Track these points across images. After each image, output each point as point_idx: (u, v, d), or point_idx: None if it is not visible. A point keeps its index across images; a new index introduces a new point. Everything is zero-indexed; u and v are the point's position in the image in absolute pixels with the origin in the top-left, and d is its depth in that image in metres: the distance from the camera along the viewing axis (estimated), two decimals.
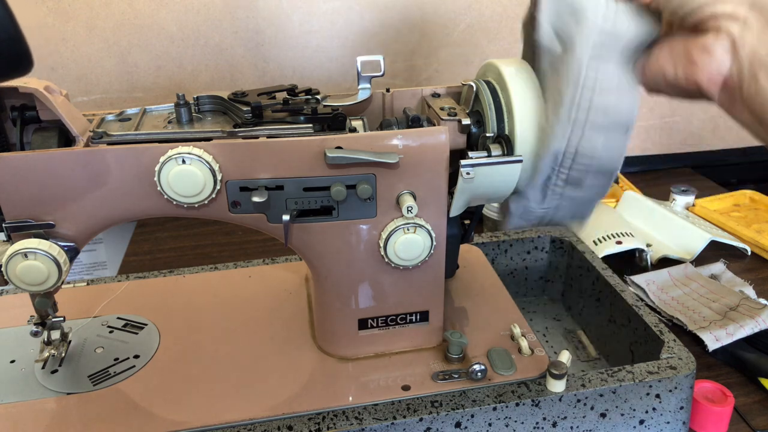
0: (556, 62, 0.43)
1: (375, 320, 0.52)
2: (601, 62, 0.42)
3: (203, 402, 0.48)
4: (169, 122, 0.47)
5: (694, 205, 0.92)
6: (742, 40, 0.36)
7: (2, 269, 0.43)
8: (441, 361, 0.52)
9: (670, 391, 0.49)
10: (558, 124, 0.43)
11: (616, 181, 0.98)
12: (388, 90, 0.52)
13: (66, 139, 0.45)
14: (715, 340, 0.62)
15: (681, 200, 0.91)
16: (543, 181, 0.47)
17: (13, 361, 0.53)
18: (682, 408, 0.51)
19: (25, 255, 0.42)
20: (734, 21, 0.37)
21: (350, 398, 0.48)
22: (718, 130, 1.13)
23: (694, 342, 0.63)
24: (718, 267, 0.76)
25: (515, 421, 0.47)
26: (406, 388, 0.49)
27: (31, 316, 0.50)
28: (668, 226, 0.84)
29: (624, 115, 0.43)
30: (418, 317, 0.52)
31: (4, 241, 0.44)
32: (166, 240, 0.88)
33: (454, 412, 0.46)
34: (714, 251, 0.79)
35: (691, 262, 0.77)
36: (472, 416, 0.46)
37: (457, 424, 0.46)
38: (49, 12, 0.84)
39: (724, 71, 0.37)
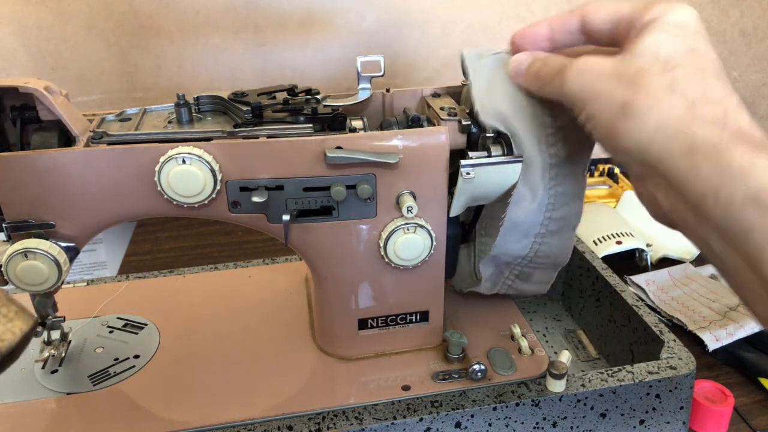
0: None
1: (375, 320, 0.52)
2: (556, 185, 0.46)
3: (203, 402, 0.48)
4: (169, 122, 0.47)
5: None
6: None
7: (2, 269, 0.43)
8: (441, 361, 0.52)
9: (670, 391, 0.49)
10: (524, 239, 0.49)
11: (616, 181, 0.98)
12: (388, 90, 0.52)
13: (66, 139, 0.44)
14: (715, 340, 0.62)
15: None
16: (496, 275, 0.53)
17: None
18: (682, 408, 0.51)
19: (25, 255, 0.42)
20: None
21: (350, 398, 0.48)
22: None
23: (694, 342, 0.63)
24: None
25: (515, 421, 0.47)
26: (406, 388, 0.49)
27: None
28: None
29: (575, 217, 0.48)
30: (418, 317, 0.52)
31: (4, 241, 0.44)
32: (166, 240, 0.88)
33: (454, 412, 0.46)
34: None
35: (691, 262, 0.77)
36: (472, 416, 0.46)
37: (457, 424, 0.46)
38: (49, 12, 0.84)
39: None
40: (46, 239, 0.43)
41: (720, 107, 0.34)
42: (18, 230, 0.43)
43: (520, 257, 0.51)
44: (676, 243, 0.81)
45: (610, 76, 0.36)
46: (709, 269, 0.76)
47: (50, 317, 0.50)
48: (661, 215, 0.38)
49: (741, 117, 0.34)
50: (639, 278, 0.73)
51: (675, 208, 0.36)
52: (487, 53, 0.46)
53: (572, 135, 0.44)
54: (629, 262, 0.78)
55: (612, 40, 0.40)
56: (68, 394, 0.49)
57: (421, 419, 0.45)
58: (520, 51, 0.44)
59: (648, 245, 0.78)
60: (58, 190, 0.43)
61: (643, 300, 0.68)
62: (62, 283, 0.45)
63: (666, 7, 0.37)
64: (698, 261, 0.78)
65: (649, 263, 0.77)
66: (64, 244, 0.44)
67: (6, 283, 0.43)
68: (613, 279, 0.60)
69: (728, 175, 0.32)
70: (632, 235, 0.78)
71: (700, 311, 0.67)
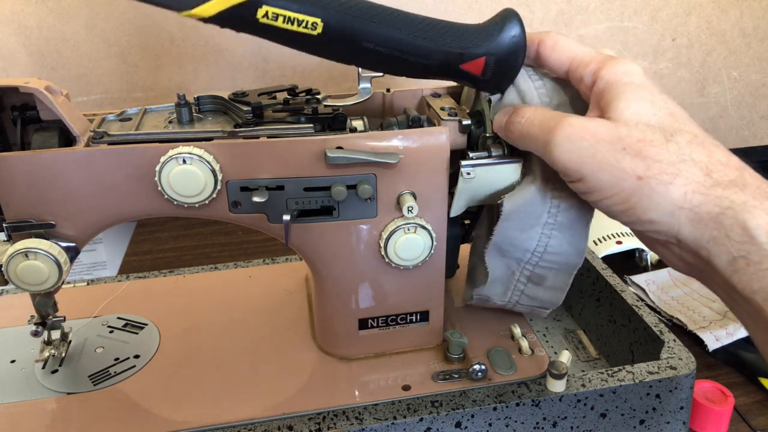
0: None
1: (375, 320, 0.52)
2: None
3: (203, 402, 0.48)
4: (170, 122, 0.47)
5: None
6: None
7: (2, 269, 0.43)
8: (441, 361, 0.52)
9: (670, 391, 0.49)
10: (530, 230, 0.45)
11: None
12: (388, 90, 0.52)
13: (66, 139, 0.44)
14: (715, 340, 0.62)
15: None
16: (506, 276, 0.49)
17: (13, 361, 0.53)
18: (682, 408, 0.51)
19: (26, 255, 0.42)
20: None
21: (350, 398, 0.48)
22: (718, 131, 1.13)
23: (694, 342, 0.63)
24: None
25: (515, 421, 0.47)
26: (406, 388, 0.49)
27: (31, 316, 0.50)
28: None
29: (587, 211, 0.45)
30: (418, 317, 0.52)
31: (4, 240, 0.44)
32: (166, 240, 0.88)
33: (455, 412, 0.46)
34: None
35: None
36: (473, 416, 0.46)
37: (458, 424, 0.46)
38: (49, 12, 0.84)
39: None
40: (47, 239, 0.43)
41: (731, 167, 0.34)
42: (18, 230, 0.43)
43: (529, 252, 0.47)
44: None
45: (611, 145, 0.36)
46: None
47: (50, 317, 0.50)
48: (687, 272, 0.38)
49: (753, 173, 0.34)
50: (639, 278, 0.73)
51: (704, 269, 0.36)
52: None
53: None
54: (629, 262, 0.78)
55: (563, 78, 0.43)
56: (68, 394, 0.49)
57: (421, 419, 0.45)
58: None
59: None
60: (59, 190, 0.43)
61: (643, 300, 0.68)
62: (62, 283, 0.45)
63: (620, 67, 0.38)
64: None
65: (649, 263, 0.77)
66: (64, 244, 0.44)
67: (6, 283, 0.43)
68: (613, 279, 0.60)
69: (757, 236, 0.32)
70: (632, 235, 0.78)
71: (700, 311, 0.67)
